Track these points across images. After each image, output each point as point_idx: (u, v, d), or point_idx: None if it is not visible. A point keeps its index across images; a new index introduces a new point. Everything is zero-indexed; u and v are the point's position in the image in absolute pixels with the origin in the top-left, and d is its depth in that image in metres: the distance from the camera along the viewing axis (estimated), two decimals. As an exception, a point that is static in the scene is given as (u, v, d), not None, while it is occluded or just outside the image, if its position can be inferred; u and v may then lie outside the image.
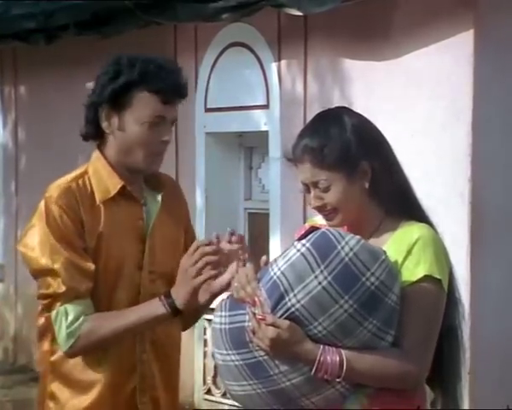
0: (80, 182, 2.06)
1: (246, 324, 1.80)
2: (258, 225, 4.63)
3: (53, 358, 2.08)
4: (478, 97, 3.49)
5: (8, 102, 6.08)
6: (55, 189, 2.05)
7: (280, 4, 3.92)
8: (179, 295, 1.99)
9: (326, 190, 1.86)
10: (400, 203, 1.89)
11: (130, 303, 2.06)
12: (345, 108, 2.00)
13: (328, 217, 1.89)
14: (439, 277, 1.82)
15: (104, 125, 2.06)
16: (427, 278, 1.81)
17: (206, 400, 4.68)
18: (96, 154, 2.10)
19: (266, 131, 4.34)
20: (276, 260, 1.81)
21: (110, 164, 2.08)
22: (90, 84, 2.10)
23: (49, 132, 5.67)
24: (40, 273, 2.03)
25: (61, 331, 2.00)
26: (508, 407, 3.46)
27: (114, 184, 2.07)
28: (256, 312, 1.77)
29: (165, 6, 4.34)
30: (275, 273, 1.78)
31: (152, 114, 2.02)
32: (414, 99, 3.69)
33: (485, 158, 3.53)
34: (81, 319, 2.00)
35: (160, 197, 2.12)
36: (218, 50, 4.55)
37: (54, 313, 2.01)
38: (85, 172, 2.09)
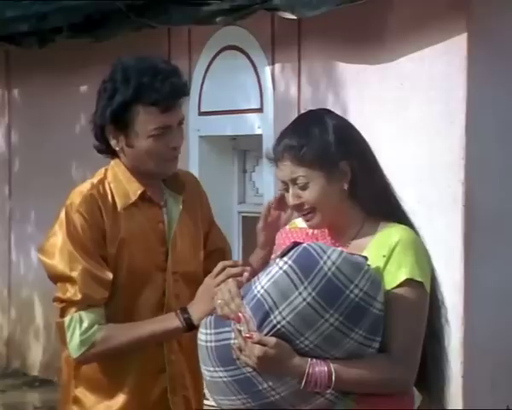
0: (101, 188, 2.08)
1: (232, 341, 1.79)
2: (252, 228, 4.60)
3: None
4: (472, 101, 3.48)
5: (1, 105, 6.05)
6: (76, 196, 2.07)
7: (274, 8, 3.91)
8: (197, 311, 1.99)
9: (304, 187, 1.86)
10: (380, 205, 1.89)
11: (156, 305, 2.08)
12: (326, 109, 2.01)
13: (306, 217, 1.89)
14: (420, 279, 1.82)
15: (113, 143, 2.08)
16: (408, 281, 1.81)
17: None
18: (115, 161, 2.12)
19: (260, 135, 4.32)
20: (258, 278, 1.81)
21: (128, 169, 2.10)
22: None
23: (42, 136, 5.65)
24: (58, 279, 2.05)
25: (75, 338, 2.01)
26: (508, 407, 3.45)
27: (134, 189, 2.09)
28: (241, 329, 1.76)
29: (158, 9, 4.33)
30: (258, 291, 1.77)
31: (154, 127, 2.03)
32: (407, 103, 3.68)
33: (479, 162, 3.53)
34: (95, 327, 2.01)
35: (181, 199, 2.13)
36: (212, 54, 4.54)
37: (67, 318, 2.02)
38: (104, 178, 2.10)
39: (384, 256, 1.82)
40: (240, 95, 4.41)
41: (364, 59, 3.83)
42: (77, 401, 2.11)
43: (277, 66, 4.25)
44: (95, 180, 2.11)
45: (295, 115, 4.09)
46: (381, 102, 3.76)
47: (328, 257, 1.75)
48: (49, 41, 5.05)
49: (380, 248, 1.84)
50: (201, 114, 4.61)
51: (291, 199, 1.88)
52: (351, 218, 1.90)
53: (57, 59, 5.35)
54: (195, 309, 2.00)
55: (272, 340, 1.74)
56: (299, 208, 1.89)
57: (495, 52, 3.57)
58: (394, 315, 1.79)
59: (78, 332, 2.00)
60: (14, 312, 5.92)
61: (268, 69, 4.29)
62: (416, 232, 1.90)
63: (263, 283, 1.77)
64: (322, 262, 1.75)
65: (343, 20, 3.88)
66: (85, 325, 2.00)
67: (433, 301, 1.89)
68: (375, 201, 1.88)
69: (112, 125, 2.06)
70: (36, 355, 5.78)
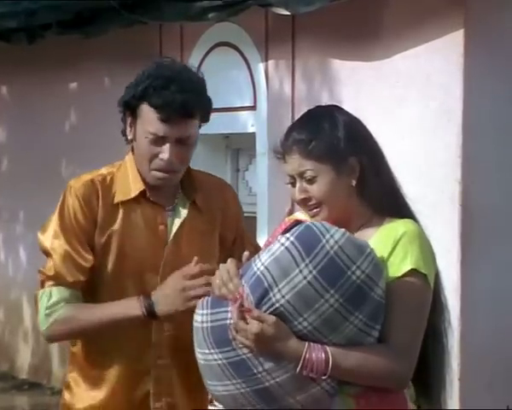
0: (108, 178, 2.10)
1: (228, 321, 1.77)
2: (246, 228, 4.58)
3: (74, 348, 2.13)
4: (468, 98, 3.45)
5: (-11, 102, 6.00)
6: (79, 180, 2.11)
7: (267, 4, 3.88)
8: (162, 303, 1.97)
9: (312, 181, 1.84)
10: (388, 202, 1.87)
11: None
12: (335, 105, 1.99)
13: (312, 212, 1.87)
14: (424, 271, 1.80)
15: (127, 131, 2.10)
16: (413, 272, 1.79)
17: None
18: (129, 156, 2.13)
19: (253, 133, 4.29)
20: (259, 256, 1.78)
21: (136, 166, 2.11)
22: None
23: (31, 133, 5.59)
24: (44, 253, 2.11)
25: (41, 311, 2.05)
26: (508, 408, 3.44)
27: (136, 187, 2.09)
28: (238, 308, 1.73)
29: (150, 5, 4.30)
30: (258, 269, 1.74)
31: (151, 131, 2.03)
32: (403, 100, 3.65)
33: (476, 160, 3.50)
34: (61, 304, 2.04)
35: (188, 204, 2.12)
36: (204, 50, 4.50)
37: (41, 291, 2.07)
38: (117, 170, 2.12)
39: (390, 247, 1.80)
40: (233, 92, 4.37)
41: (360, 56, 3.80)
42: (68, 386, 2.15)
43: (271, 63, 4.22)
44: (105, 170, 2.14)
45: (289, 113, 4.14)
46: (377, 99, 3.73)
47: (331, 236, 1.73)
48: (38, 37, 5.01)
49: (384, 240, 1.82)
50: (193, 111, 4.56)
51: (297, 193, 1.86)
52: (357, 214, 1.88)
53: (46, 56, 5.31)
54: (161, 301, 1.98)
55: (271, 318, 1.72)
56: (305, 203, 1.87)
57: (492, 49, 3.54)
58: (396, 306, 1.77)
59: (44, 306, 2.05)
60: (2, 314, 5.86)
61: (261, 66, 4.25)
62: (422, 230, 1.88)
63: (263, 259, 1.75)
64: (324, 240, 1.73)
65: (338, 16, 3.85)
66: (53, 300, 2.04)
67: (437, 302, 1.87)
68: (382, 198, 1.87)
69: (127, 115, 2.09)
70: (25, 358, 5.72)
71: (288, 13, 3.84)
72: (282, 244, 1.73)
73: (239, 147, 4.68)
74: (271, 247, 1.76)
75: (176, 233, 2.09)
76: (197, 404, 2.15)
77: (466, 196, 3.46)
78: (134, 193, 2.09)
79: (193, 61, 4.56)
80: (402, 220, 1.85)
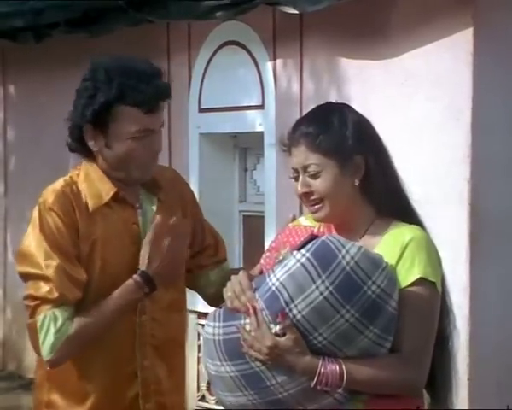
0: (74, 187, 2.04)
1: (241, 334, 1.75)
2: (253, 227, 4.57)
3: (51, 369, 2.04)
4: (477, 97, 3.43)
5: (-4, 101, 6.01)
6: (49, 194, 2.04)
7: (275, 2, 3.87)
8: (152, 267, 2.00)
9: (316, 176, 1.83)
10: (392, 204, 1.86)
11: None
12: (345, 103, 1.98)
13: (313, 208, 1.85)
14: (433, 279, 1.80)
15: (90, 144, 2.05)
16: (421, 280, 1.78)
17: (200, 407, 4.62)
18: (85, 165, 2.09)
19: (261, 132, 4.27)
20: (273, 270, 1.77)
21: (103, 170, 2.06)
22: None
23: (38, 132, 5.60)
24: (30, 277, 2.02)
25: (49, 337, 1.97)
26: (508, 407, 3.42)
27: (107, 190, 2.05)
28: (251, 322, 1.73)
29: (157, 4, 4.28)
30: (273, 284, 1.74)
31: (136, 129, 2.00)
32: (412, 99, 3.63)
33: (485, 159, 3.48)
34: (67, 323, 1.98)
35: (155, 200, 2.10)
36: (212, 49, 4.48)
37: (41, 317, 1.98)
38: (77, 177, 2.07)
39: (396, 255, 1.79)
40: (241, 91, 4.35)
41: (368, 54, 3.78)
42: (50, 405, 2.08)
43: (279, 61, 4.20)
44: (68, 178, 2.08)
45: (297, 112, 4.12)
46: (385, 98, 3.71)
47: (347, 251, 1.72)
48: (45, 36, 5.01)
49: (391, 247, 1.81)
50: (201, 110, 4.55)
51: (300, 187, 1.85)
52: (361, 215, 1.87)
53: (53, 55, 5.30)
54: (155, 268, 2.00)
55: (294, 333, 1.71)
56: (307, 198, 1.86)
57: (502, 47, 3.52)
58: (406, 315, 1.77)
59: (52, 330, 1.96)
60: (9, 313, 5.87)
61: (269, 65, 4.23)
62: (428, 234, 1.87)
63: (278, 275, 1.74)
64: (340, 256, 1.72)
65: (346, 15, 3.83)
66: (59, 322, 1.96)
67: (443, 306, 1.87)
68: (386, 199, 1.86)
69: (91, 124, 2.02)
70: (32, 357, 5.68)
71: (295, 11, 3.82)
72: (298, 260, 1.72)
73: (247, 146, 4.67)
74: (286, 262, 1.75)
75: (148, 230, 2.06)
76: (182, 400, 2.16)
77: (475, 196, 3.44)
78: (107, 197, 2.04)
79: (200, 60, 4.56)
80: (408, 226, 1.84)
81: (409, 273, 1.79)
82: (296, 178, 1.86)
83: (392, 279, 1.75)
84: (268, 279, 1.76)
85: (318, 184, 1.83)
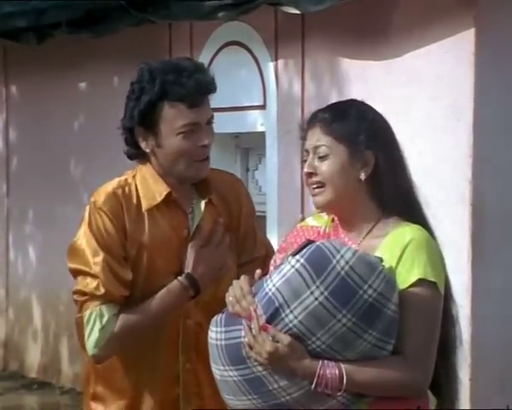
0: (127, 189, 2.07)
1: (242, 339, 1.77)
2: (258, 228, 4.56)
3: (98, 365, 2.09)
4: (479, 98, 3.43)
5: (-2, 102, 6.01)
6: (100, 194, 2.07)
7: (277, 2, 3.87)
8: (198, 271, 2.03)
9: (324, 158, 1.84)
10: (399, 205, 1.85)
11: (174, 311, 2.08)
12: (366, 103, 1.98)
13: (314, 191, 1.86)
14: (433, 280, 1.79)
15: (143, 145, 2.08)
16: (421, 281, 1.78)
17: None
18: (141, 166, 2.12)
19: (263, 132, 4.28)
20: (270, 276, 1.78)
21: (157, 172, 2.08)
22: None
23: (40, 133, 5.60)
24: (79, 273, 2.06)
25: (94, 333, 2.01)
26: (508, 407, 3.42)
27: (160, 190, 2.07)
28: (252, 326, 1.74)
29: (159, 4, 4.29)
30: (270, 290, 1.75)
31: (182, 123, 2.02)
32: (414, 99, 3.63)
33: (487, 159, 3.48)
34: (113, 320, 2.01)
35: (203, 203, 2.11)
36: (214, 50, 4.49)
37: (87, 312, 2.03)
38: (133, 179, 2.09)
39: (397, 256, 1.79)
40: (242, 91, 4.36)
41: (369, 55, 3.78)
42: (95, 397, 2.13)
43: (281, 62, 4.21)
44: (122, 179, 2.11)
45: (299, 112, 4.12)
46: (387, 98, 3.71)
47: (342, 256, 1.72)
48: (47, 37, 5.01)
49: (392, 249, 1.81)
50: (203, 111, 4.55)
51: (306, 167, 1.88)
52: (365, 214, 1.86)
53: (56, 55, 5.30)
54: (201, 272, 2.03)
55: (286, 338, 1.72)
56: (309, 178, 1.87)
57: (503, 48, 3.52)
58: (407, 317, 1.76)
59: (98, 326, 2.01)
60: (11, 313, 5.87)
61: (271, 65, 4.24)
62: (433, 235, 1.86)
63: (274, 281, 1.75)
64: (335, 261, 1.72)
65: (347, 15, 3.83)
66: (106, 318, 2.01)
67: (447, 311, 1.86)
68: (393, 199, 1.85)
69: (141, 126, 2.06)
70: (34, 357, 5.73)
71: (297, 12, 3.83)
72: (293, 266, 1.73)
73: (248, 146, 4.67)
74: (282, 267, 1.76)
75: (192, 235, 2.09)
76: (224, 405, 2.15)
77: (477, 196, 3.44)
78: (160, 197, 2.07)
79: (203, 61, 4.56)
80: (410, 226, 1.83)
81: (409, 274, 1.78)
82: (305, 162, 1.89)
83: (389, 282, 1.75)
84: (265, 285, 1.77)
85: (324, 167, 1.84)
